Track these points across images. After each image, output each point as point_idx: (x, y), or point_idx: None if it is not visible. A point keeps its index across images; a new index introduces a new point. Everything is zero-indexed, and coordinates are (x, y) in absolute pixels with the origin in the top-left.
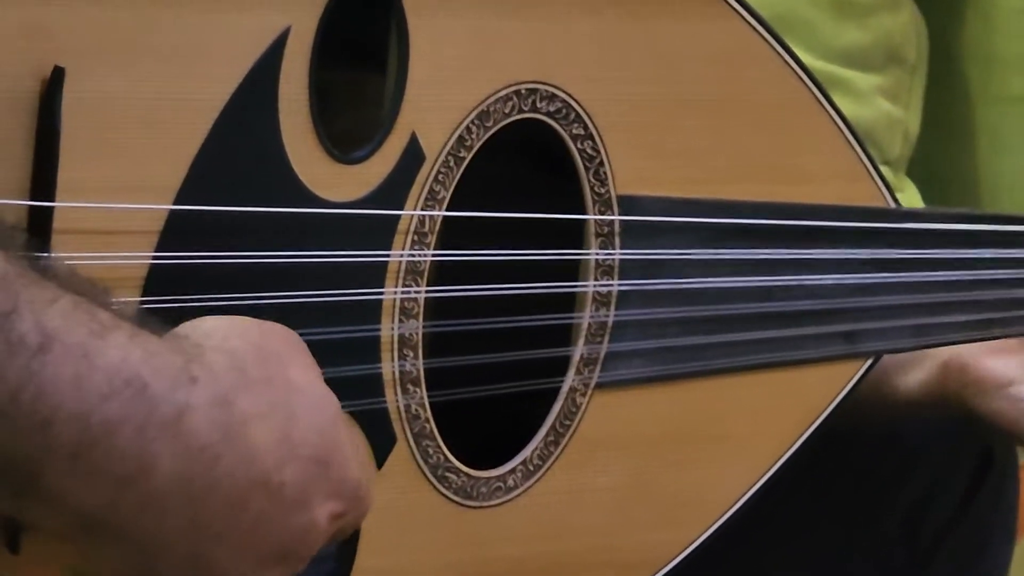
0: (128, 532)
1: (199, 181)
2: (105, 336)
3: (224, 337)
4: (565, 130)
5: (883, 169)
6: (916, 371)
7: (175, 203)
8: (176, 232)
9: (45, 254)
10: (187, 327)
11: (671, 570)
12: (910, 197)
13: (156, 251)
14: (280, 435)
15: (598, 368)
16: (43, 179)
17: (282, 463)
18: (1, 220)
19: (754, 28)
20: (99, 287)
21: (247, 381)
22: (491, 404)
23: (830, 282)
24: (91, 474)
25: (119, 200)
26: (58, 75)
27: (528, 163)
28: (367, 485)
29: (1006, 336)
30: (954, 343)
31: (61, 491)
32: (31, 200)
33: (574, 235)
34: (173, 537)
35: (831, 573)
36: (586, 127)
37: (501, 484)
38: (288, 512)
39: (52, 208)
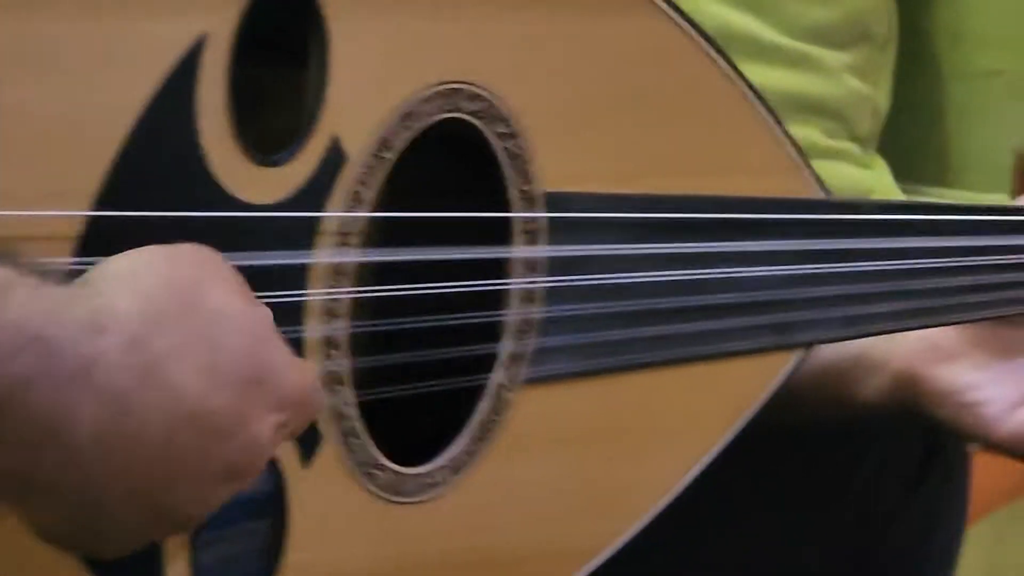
0: (57, 487)
1: (117, 187)
2: (7, 293)
3: (132, 277)
4: (489, 129)
5: (852, 146)
6: (873, 380)
7: (93, 209)
8: (95, 238)
9: None
10: (93, 273)
11: (605, 561)
12: (879, 174)
13: (74, 257)
14: (203, 366)
15: (526, 364)
16: None
17: (208, 394)
18: None
19: (679, 25)
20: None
21: (160, 319)
22: (420, 401)
23: (760, 274)
24: (9, 435)
25: (37, 207)
26: None
27: (454, 162)
28: (310, 386)
29: (939, 324)
30: (887, 332)
31: None
32: None
33: (502, 233)
34: (106, 485)
35: (784, 558)
36: (510, 126)
37: (429, 480)
38: (224, 438)
39: None
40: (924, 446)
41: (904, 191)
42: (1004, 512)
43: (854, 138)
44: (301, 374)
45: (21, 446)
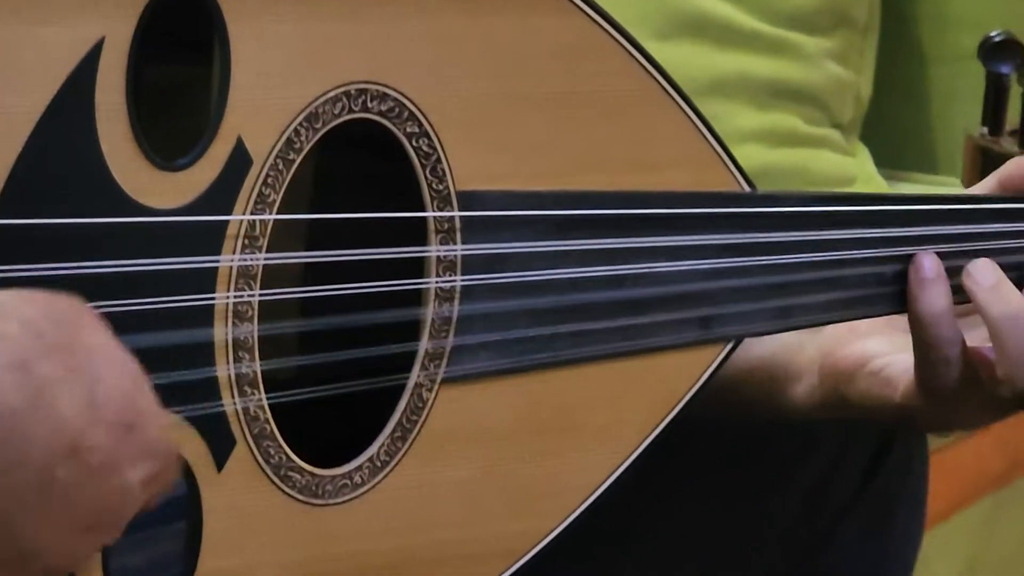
0: None
1: (17, 194)
2: None
3: (15, 306)
4: (399, 128)
5: (834, 133)
6: (803, 381)
7: None
8: None
9: None
10: None
11: (529, 560)
12: (861, 161)
13: None
14: (84, 399)
15: (444, 363)
16: None
17: (88, 427)
18: None
19: (596, 22)
20: None
21: (44, 347)
22: (336, 403)
23: (683, 268)
24: None
25: None
26: None
27: (366, 163)
28: (173, 448)
29: (870, 316)
30: (818, 324)
31: None
32: None
33: (416, 233)
34: None
35: (736, 550)
36: (420, 125)
37: (348, 481)
38: (98, 479)
39: None
40: (877, 439)
41: (887, 178)
42: (991, 499)
43: (835, 125)
44: (167, 429)
45: None
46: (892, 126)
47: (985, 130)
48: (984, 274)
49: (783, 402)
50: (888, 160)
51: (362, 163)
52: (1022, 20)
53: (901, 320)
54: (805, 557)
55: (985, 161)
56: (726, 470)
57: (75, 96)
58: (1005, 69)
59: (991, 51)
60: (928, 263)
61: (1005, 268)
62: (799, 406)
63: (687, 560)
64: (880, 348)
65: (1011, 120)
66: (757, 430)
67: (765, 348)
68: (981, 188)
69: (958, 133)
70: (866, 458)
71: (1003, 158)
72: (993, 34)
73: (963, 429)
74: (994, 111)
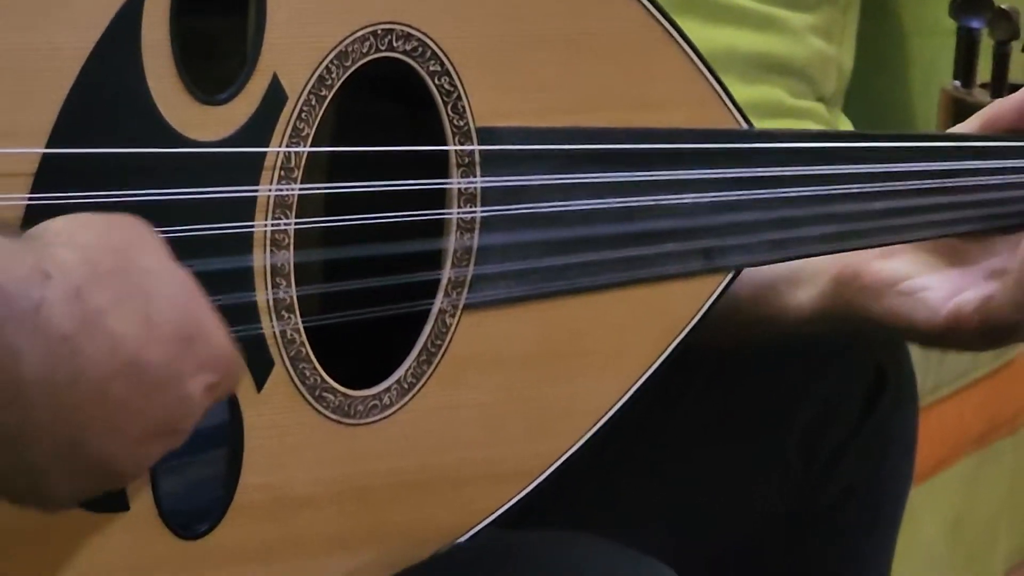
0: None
1: (69, 126)
2: None
3: (72, 234)
4: (422, 67)
5: (818, 106)
6: (806, 288)
7: (47, 147)
8: (50, 174)
9: None
10: (38, 228)
11: (544, 480)
12: None
13: (31, 193)
14: (139, 320)
15: (465, 290)
16: None
17: (143, 346)
18: None
19: None
20: None
21: (99, 273)
22: (366, 327)
23: (687, 201)
24: None
25: None
26: None
27: (391, 99)
28: (235, 354)
29: (861, 248)
30: (812, 255)
31: None
32: None
33: (438, 167)
34: (41, 427)
35: (734, 488)
36: (442, 64)
37: (377, 402)
38: (156, 391)
39: None
40: (872, 377)
41: None
42: (973, 458)
43: (820, 98)
44: (227, 337)
45: None
46: (873, 98)
47: (958, 83)
48: None
49: (784, 311)
50: (869, 131)
51: (384, 100)
52: None
53: (936, 243)
54: (803, 494)
55: (958, 112)
56: (726, 410)
57: (122, 33)
58: (976, 24)
59: (962, 7)
60: None
61: (985, 204)
62: (802, 312)
63: (686, 500)
64: (910, 269)
65: (983, 75)
66: (756, 371)
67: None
68: (961, 130)
69: (937, 105)
70: (861, 398)
71: (976, 108)
72: None
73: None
74: (966, 65)
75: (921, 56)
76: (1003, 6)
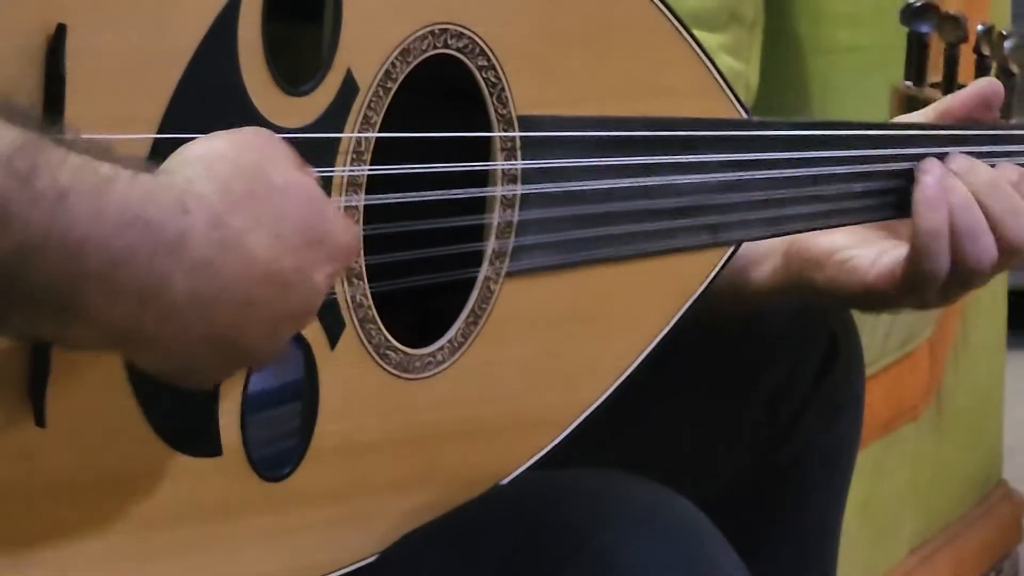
0: (155, 341)
1: (177, 114)
2: (110, 183)
3: (208, 165)
4: (472, 62)
5: None
6: (765, 264)
7: (158, 132)
8: (161, 156)
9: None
10: (174, 160)
11: (574, 428)
12: None
13: None
14: (272, 236)
15: (507, 259)
16: (52, 116)
17: (277, 256)
18: (20, 105)
19: None
20: (101, 145)
21: (234, 200)
22: (422, 292)
23: (696, 181)
24: (117, 293)
25: (113, 131)
26: (61, 30)
27: (444, 91)
28: (354, 237)
29: (844, 225)
30: (802, 231)
31: (95, 309)
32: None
33: (484, 150)
34: (197, 338)
35: (706, 448)
36: (489, 59)
37: (432, 359)
38: (292, 291)
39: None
40: (826, 345)
41: None
42: (880, 443)
43: None
44: (347, 229)
45: (128, 304)
46: (776, 112)
47: (909, 83)
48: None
49: (746, 286)
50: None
51: (438, 91)
52: (889, 15)
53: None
54: (768, 451)
55: (909, 108)
56: (702, 376)
57: (222, 34)
58: (925, 28)
59: (912, 14)
60: (931, 183)
61: None
62: (761, 287)
63: (668, 455)
64: (844, 241)
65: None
66: (728, 341)
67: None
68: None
69: (834, 117)
70: (817, 362)
71: (925, 103)
72: (912, 0)
73: (920, 307)
74: (918, 65)
75: (818, 73)
76: (951, 11)
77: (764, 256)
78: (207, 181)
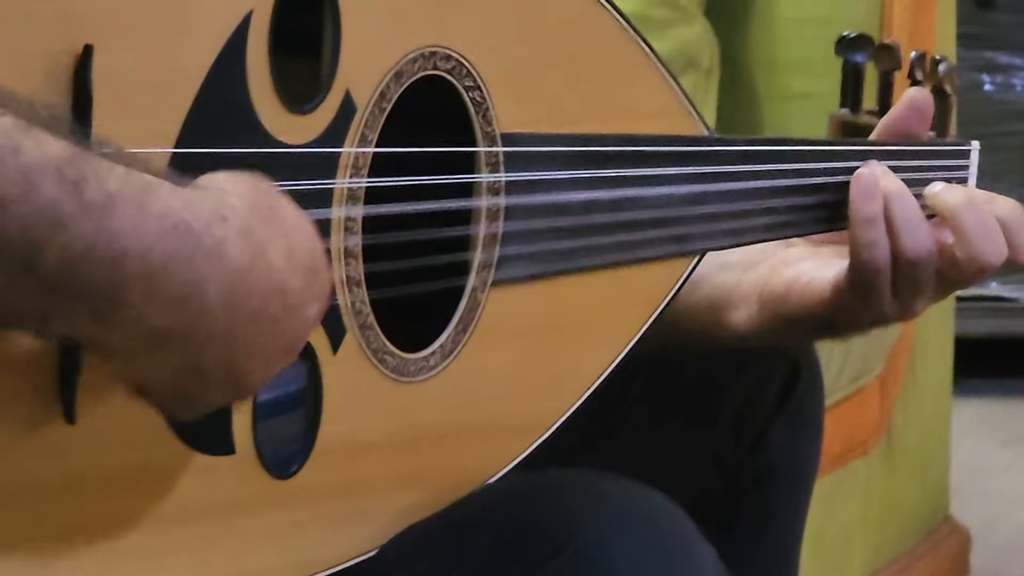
0: (182, 343)
1: (192, 130)
2: (153, 192)
3: (234, 185)
4: (459, 83)
5: None
6: (741, 309)
7: (175, 147)
8: (177, 169)
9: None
10: (205, 179)
11: (552, 432)
12: None
13: None
14: (285, 253)
15: (492, 270)
16: (80, 131)
17: (288, 274)
18: (65, 118)
19: (599, 1)
20: (141, 159)
21: (259, 216)
22: (416, 300)
23: (663, 194)
24: (156, 295)
25: (134, 146)
26: (88, 51)
27: (434, 109)
28: (332, 289)
29: (799, 235)
30: (761, 241)
31: (136, 314)
32: None
33: (471, 165)
34: (215, 344)
35: (672, 465)
36: (475, 80)
37: (425, 364)
38: (294, 313)
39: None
40: (788, 367)
41: None
42: (832, 477)
43: None
44: (329, 273)
45: (169, 304)
46: None
47: (845, 110)
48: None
49: (724, 328)
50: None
51: (427, 110)
52: (837, 63)
53: (824, 250)
54: (733, 471)
55: (846, 134)
56: (664, 401)
57: (232, 56)
58: (860, 58)
59: (848, 45)
60: (866, 173)
61: None
62: (738, 331)
63: (639, 474)
64: (808, 268)
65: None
66: (694, 363)
67: (707, 287)
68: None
69: (826, 130)
70: (780, 384)
71: (863, 129)
72: (847, 32)
73: (881, 324)
74: (853, 93)
75: (772, 119)
76: (886, 41)
77: (740, 301)
78: (237, 197)
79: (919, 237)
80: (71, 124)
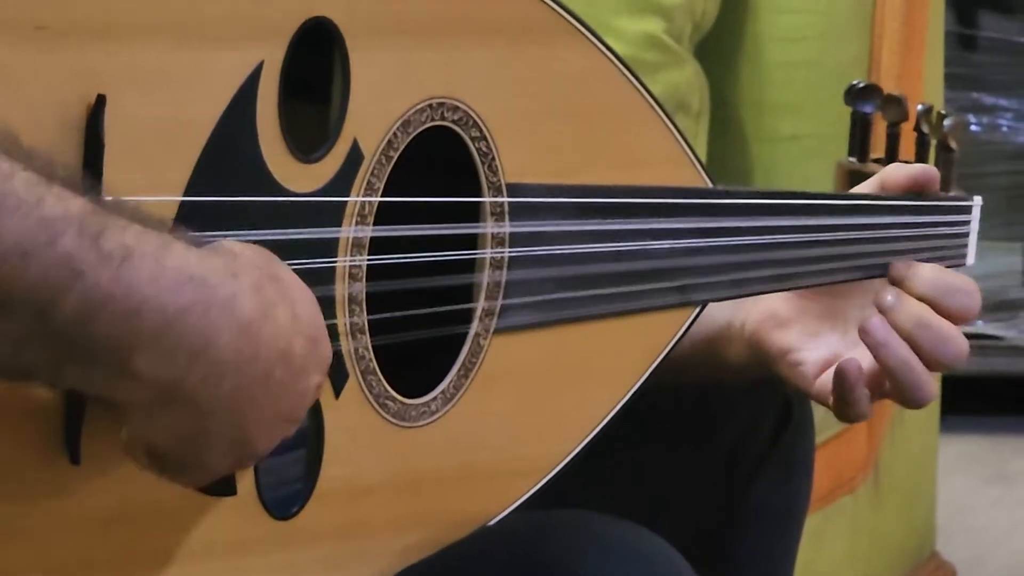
0: (193, 398)
1: (201, 179)
2: (169, 247)
3: (242, 249)
4: (466, 133)
5: None
6: (735, 346)
7: (184, 195)
8: (187, 218)
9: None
10: (217, 243)
11: (552, 476)
12: None
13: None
14: (291, 316)
15: (495, 318)
16: (92, 179)
17: (293, 337)
18: (85, 178)
19: (603, 53)
20: (156, 218)
21: (266, 276)
22: (418, 346)
23: (665, 246)
24: (170, 351)
25: (144, 194)
26: (101, 101)
27: (440, 159)
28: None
29: (800, 287)
30: (763, 292)
31: (148, 367)
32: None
33: (475, 214)
34: (223, 402)
35: (668, 503)
36: (481, 131)
37: (426, 409)
38: (297, 380)
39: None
40: (780, 407)
41: None
42: (820, 514)
43: None
44: (330, 344)
45: (180, 358)
46: None
47: (853, 159)
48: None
49: (721, 362)
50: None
51: (434, 159)
52: (828, 105)
53: (811, 306)
54: (726, 508)
55: (853, 182)
56: (659, 440)
57: (242, 107)
58: (868, 108)
59: (857, 95)
60: (874, 326)
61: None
62: (733, 364)
63: (627, 514)
64: (797, 342)
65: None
66: (689, 402)
67: (707, 323)
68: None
69: (833, 177)
70: (773, 423)
71: (869, 177)
72: (856, 82)
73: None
74: (861, 143)
75: (761, 160)
76: (894, 92)
77: (734, 337)
78: (246, 259)
79: (954, 349)
80: (84, 174)
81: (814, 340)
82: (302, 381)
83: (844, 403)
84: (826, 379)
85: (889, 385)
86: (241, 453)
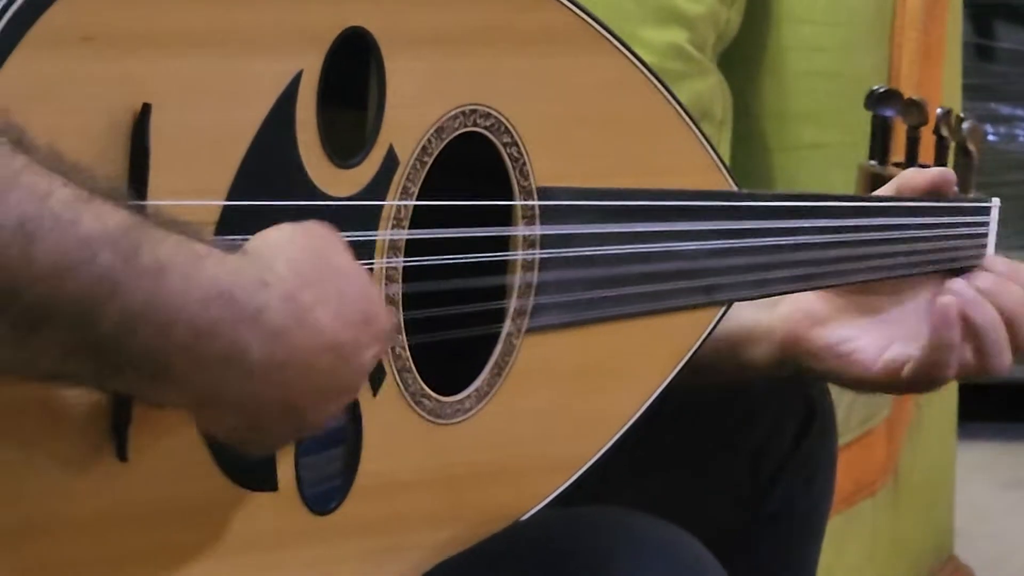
0: (233, 401)
1: (243, 184)
2: (202, 261)
3: (283, 247)
4: (498, 139)
5: None
6: (761, 346)
7: (227, 200)
8: (228, 222)
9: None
10: (252, 243)
11: (582, 473)
12: None
13: (214, 236)
14: (335, 311)
15: (527, 317)
16: (138, 185)
17: (338, 331)
18: (124, 190)
19: (632, 61)
20: (193, 228)
21: (305, 280)
22: (452, 345)
23: (692, 248)
24: (203, 359)
25: (188, 199)
26: (146, 109)
27: (473, 164)
28: (393, 322)
29: (821, 287)
30: (785, 292)
31: (184, 374)
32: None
33: (507, 217)
34: (269, 400)
35: (694, 502)
36: (512, 137)
37: (460, 407)
38: (347, 362)
39: (145, 205)
40: (804, 409)
41: None
42: (841, 517)
43: None
44: (390, 315)
45: (213, 371)
46: None
47: (874, 162)
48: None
49: (744, 362)
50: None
51: (467, 164)
52: (849, 114)
53: (845, 303)
54: (750, 509)
55: (874, 185)
56: (688, 438)
57: (282, 113)
58: (889, 113)
59: (877, 100)
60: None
61: (913, 253)
62: (758, 364)
63: (660, 513)
64: (845, 334)
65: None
66: (712, 406)
67: (730, 325)
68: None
69: (855, 181)
70: (796, 425)
71: (890, 180)
72: (876, 87)
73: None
74: (882, 146)
75: (783, 168)
76: (914, 97)
77: (759, 338)
78: (283, 263)
79: (1004, 360)
80: (128, 183)
81: (863, 330)
82: (354, 362)
83: (941, 347)
84: (891, 356)
85: (972, 350)
86: (302, 428)
